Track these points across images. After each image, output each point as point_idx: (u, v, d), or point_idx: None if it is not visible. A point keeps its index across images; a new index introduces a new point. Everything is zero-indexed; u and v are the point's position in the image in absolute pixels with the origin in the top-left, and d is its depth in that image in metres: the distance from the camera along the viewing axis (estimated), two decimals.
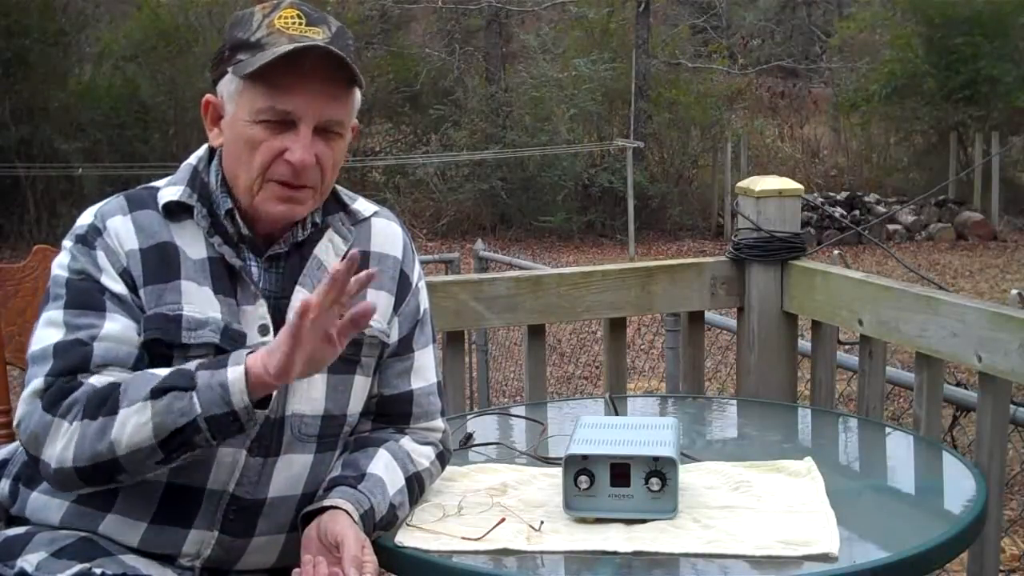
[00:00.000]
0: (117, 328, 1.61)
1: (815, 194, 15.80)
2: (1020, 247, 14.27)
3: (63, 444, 1.55)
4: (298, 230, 1.73)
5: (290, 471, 1.69)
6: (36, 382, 1.58)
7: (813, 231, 13.25)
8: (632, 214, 14.41)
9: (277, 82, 1.62)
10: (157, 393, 1.52)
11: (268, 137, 1.63)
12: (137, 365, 1.61)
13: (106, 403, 1.54)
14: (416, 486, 1.75)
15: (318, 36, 1.64)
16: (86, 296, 1.62)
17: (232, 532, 1.65)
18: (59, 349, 1.59)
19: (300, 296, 1.69)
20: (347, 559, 1.53)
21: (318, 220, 1.75)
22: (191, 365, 1.55)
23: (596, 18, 18.65)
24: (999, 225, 15.19)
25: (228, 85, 1.66)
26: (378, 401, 1.79)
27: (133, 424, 1.52)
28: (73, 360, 1.58)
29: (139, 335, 1.62)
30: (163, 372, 1.56)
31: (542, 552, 1.61)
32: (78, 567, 1.55)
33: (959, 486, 1.87)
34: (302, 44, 1.61)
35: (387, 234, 1.82)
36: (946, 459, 2.06)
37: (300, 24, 1.65)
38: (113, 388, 1.55)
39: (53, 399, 1.57)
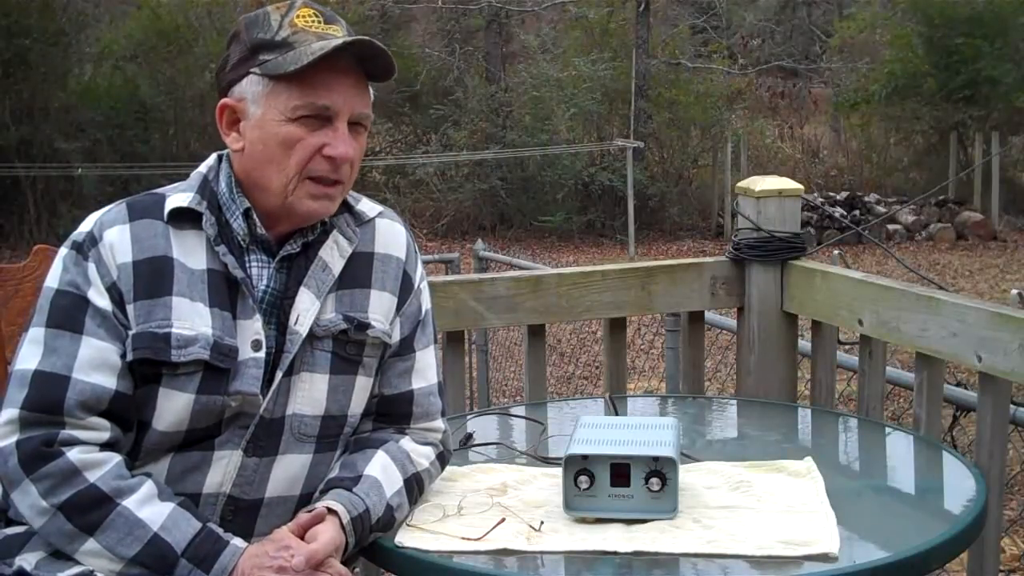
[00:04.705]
0: (90, 353, 1.59)
1: (815, 194, 15.80)
2: (1020, 247, 14.27)
3: (31, 513, 1.56)
4: (308, 231, 1.73)
5: (288, 471, 1.69)
6: (11, 412, 1.57)
7: (813, 231, 13.24)
8: (632, 214, 14.41)
9: (314, 79, 1.63)
10: (133, 563, 1.54)
11: (305, 134, 1.64)
12: (118, 393, 1.59)
13: (87, 514, 1.54)
14: (415, 487, 1.75)
15: (338, 34, 1.67)
16: (66, 315, 1.61)
17: (231, 532, 1.65)
18: (37, 378, 1.58)
19: (304, 297, 1.69)
20: (304, 549, 1.55)
21: (325, 220, 1.75)
22: (177, 542, 1.54)
23: (596, 18, 18.66)
24: (999, 225, 15.19)
25: (252, 86, 1.65)
26: (379, 401, 1.79)
27: (99, 562, 1.55)
28: (48, 395, 1.57)
29: (122, 355, 1.61)
30: (149, 526, 1.54)
31: (542, 552, 1.61)
32: (78, 568, 1.56)
33: (959, 486, 1.88)
34: (346, 40, 1.64)
35: (391, 235, 1.83)
36: (946, 459, 2.06)
37: (320, 22, 1.67)
38: (97, 501, 1.54)
39: (29, 458, 1.55)
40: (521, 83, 17.74)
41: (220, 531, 1.58)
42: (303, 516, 1.61)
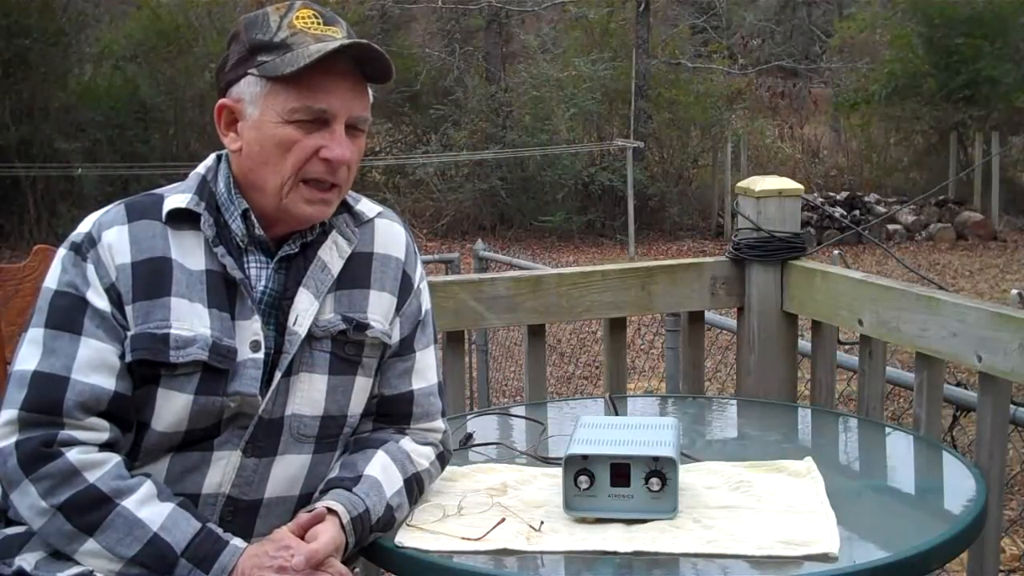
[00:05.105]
0: (89, 354, 1.59)
1: (815, 194, 15.80)
2: (1020, 247, 14.27)
3: (31, 513, 1.56)
4: (307, 231, 1.73)
5: (287, 472, 1.69)
6: (10, 413, 1.57)
7: (813, 231, 13.24)
8: (632, 214, 14.41)
9: (311, 81, 1.63)
10: (133, 562, 1.53)
11: (301, 137, 1.64)
12: (117, 394, 1.59)
13: (87, 514, 1.54)
14: (415, 487, 1.75)
15: (337, 35, 1.66)
16: (65, 316, 1.61)
17: (230, 533, 1.65)
18: (36, 379, 1.58)
19: (303, 297, 1.69)
20: (304, 548, 1.55)
21: (324, 220, 1.75)
22: (177, 542, 1.54)
23: (596, 18, 18.66)
24: (999, 225, 15.19)
25: (250, 87, 1.65)
26: (379, 401, 1.79)
27: (99, 562, 1.55)
28: (48, 396, 1.57)
29: (121, 356, 1.61)
30: (149, 526, 1.54)
31: (542, 552, 1.61)
32: (78, 568, 1.56)
33: (959, 486, 1.88)
34: (345, 42, 1.63)
35: (390, 235, 1.82)
36: (946, 459, 2.06)
37: (319, 24, 1.67)
38: (96, 501, 1.54)
39: (28, 458, 1.55)
40: (521, 83, 17.74)
41: (220, 531, 1.58)
42: (303, 516, 1.61)
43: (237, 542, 1.58)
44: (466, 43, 19.39)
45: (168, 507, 1.57)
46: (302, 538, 1.58)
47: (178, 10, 16.81)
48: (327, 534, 1.58)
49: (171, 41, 16.55)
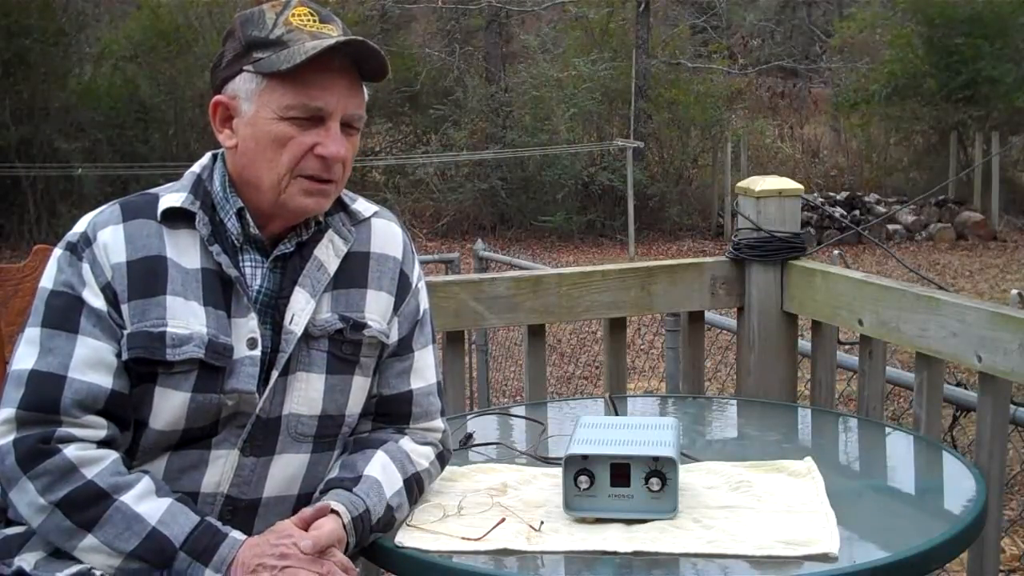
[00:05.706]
0: (86, 352, 1.60)
1: (815, 194, 15.80)
2: (1020, 247, 14.27)
3: (30, 511, 1.56)
4: (302, 230, 1.73)
5: (286, 471, 1.69)
6: (8, 411, 1.58)
7: (813, 231, 13.25)
8: (632, 214, 14.41)
9: (307, 79, 1.63)
10: (132, 557, 1.54)
11: (297, 133, 1.64)
12: (114, 392, 1.60)
13: (85, 510, 1.55)
14: (415, 487, 1.75)
15: (333, 33, 1.66)
16: (62, 315, 1.62)
17: None
18: (33, 378, 1.58)
19: (299, 296, 1.69)
20: (309, 535, 1.55)
21: (320, 219, 1.75)
22: (176, 535, 1.54)
23: (596, 18, 18.66)
24: (999, 225, 15.19)
25: (246, 83, 1.65)
26: (378, 401, 1.79)
27: (98, 558, 1.55)
28: (45, 395, 1.57)
29: (117, 355, 1.61)
30: (147, 520, 1.54)
31: (542, 552, 1.61)
32: (77, 567, 1.56)
33: (959, 486, 1.87)
34: (339, 39, 1.63)
35: (387, 235, 1.82)
36: (946, 459, 2.06)
37: (315, 21, 1.67)
38: (95, 497, 1.55)
39: (26, 456, 1.56)
40: (521, 83, 17.73)
41: (219, 524, 1.59)
42: (306, 511, 1.62)
43: (236, 534, 1.58)
44: (466, 43, 19.39)
45: (166, 502, 1.57)
46: (305, 531, 1.58)
47: (178, 10, 16.80)
48: (328, 525, 1.59)
49: (171, 41, 16.55)
